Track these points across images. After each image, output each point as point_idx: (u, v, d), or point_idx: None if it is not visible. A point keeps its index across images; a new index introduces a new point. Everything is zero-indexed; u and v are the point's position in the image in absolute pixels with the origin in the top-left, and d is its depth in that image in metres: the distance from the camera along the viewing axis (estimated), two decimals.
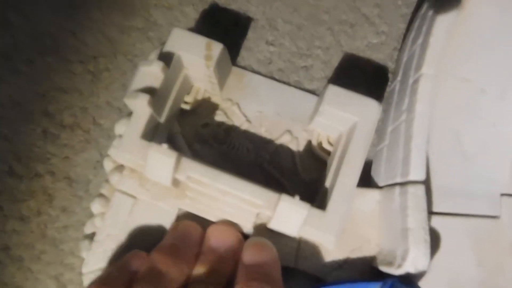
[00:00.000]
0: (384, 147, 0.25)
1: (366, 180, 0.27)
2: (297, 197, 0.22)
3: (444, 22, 0.22)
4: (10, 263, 0.27)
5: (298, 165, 0.28)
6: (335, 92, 0.25)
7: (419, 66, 0.22)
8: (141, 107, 0.24)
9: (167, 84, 0.25)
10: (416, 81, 0.22)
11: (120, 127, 0.27)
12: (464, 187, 0.25)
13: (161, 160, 0.23)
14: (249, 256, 0.22)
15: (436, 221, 0.24)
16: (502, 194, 0.24)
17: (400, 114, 0.24)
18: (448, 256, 0.24)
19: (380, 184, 0.25)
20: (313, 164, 0.28)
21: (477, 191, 0.24)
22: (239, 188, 0.23)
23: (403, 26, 0.30)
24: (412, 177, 0.22)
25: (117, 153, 0.24)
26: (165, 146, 0.23)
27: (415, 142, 0.22)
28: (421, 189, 0.22)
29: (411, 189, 0.22)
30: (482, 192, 0.24)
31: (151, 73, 0.24)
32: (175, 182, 0.24)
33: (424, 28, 0.23)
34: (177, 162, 0.23)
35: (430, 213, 0.24)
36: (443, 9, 0.22)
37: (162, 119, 0.25)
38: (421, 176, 0.22)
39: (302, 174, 0.28)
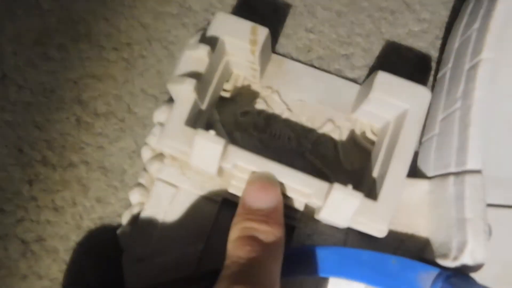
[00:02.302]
0: (433, 136, 0.24)
1: (411, 170, 0.26)
2: (349, 186, 0.22)
3: (505, 6, 0.21)
4: (45, 254, 0.26)
5: (340, 154, 0.27)
6: (385, 79, 0.24)
7: (477, 52, 0.22)
8: (186, 93, 0.23)
9: (211, 69, 0.24)
10: (473, 67, 0.22)
11: (159, 115, 0.26)
12: None
13: (208, 147, 0.22)
14: (252, 195, 0.21)
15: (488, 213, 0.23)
16: None
17: (453, 101, 0.23)
18: (498, 247, 0.24)
19: (429, 174, 0.25)
20: (355, 153, 0.27)
21: None
22: (289, 177, 0.22)
23: (445, 13, 0.30)
24: (469, 166, 0.21)
25: (161, 140, 0.23)
26: (212, 132, 0.22)
27: (473, 130, 0.21)
28: (479, 178, 0.21)
29: (468, 178, 0.21)
30: None
31: (196, 57, 0.23)
32: (220, 171, 0.23)
33: (481, 13, 0.22)
34: (225, 150, 0.22)
35: None
36: None
37: (204, 106, 0.25)
38: (479, 165, 0.21)
39: (344, 164, 0.27)
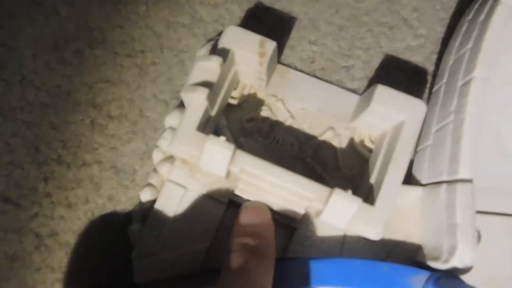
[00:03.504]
0: (427, 147, 0.26)
1: (406, 177, 0.28)
2: (349, 191, 0.23)
3: (496, 29, 0.23)
4: (58, 248, 0.27)
5: (339, 160, 0.28)
6: (384, 91, 0.25)
7: (470, 70, 0.23)
8: (198, 100, 0.24)
9: (221, 79, 0.26)
10: (466, 84, 0.23)
11: (170, 120, 0.27)
12: (504, 186, 0.26)
13: (218, 152, 0.23)
14: (245, 217, 0.24)
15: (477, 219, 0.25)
16: None
17: (447, 115, 0.25)
18: (487, 253, 0.25)
19: (423, 182, 0.26)
20: (354, 160, 0.29)
21: None
22: (292, 182, 0.24)
23: (441, 30, 0.31)
24: (461, 175, 0.23)
25: (173, 144, 0.24)
26: (222, 138, 0.23)
27: (464, 142, 0.23)
28: (469, 187, 0.23)
29: (459, 187, 0.23)
30: None
31: (208, 68, 0.25)
32: (228, 174, 0.25)
33: (474, 34, 0.24)
34: (233, 155, 0.24)
35: None
36: (494, 17, 0.23)
37: (213, 112, 0.26)
38: (470, 175, 0.23)
39: (343, 170, 0.28)
